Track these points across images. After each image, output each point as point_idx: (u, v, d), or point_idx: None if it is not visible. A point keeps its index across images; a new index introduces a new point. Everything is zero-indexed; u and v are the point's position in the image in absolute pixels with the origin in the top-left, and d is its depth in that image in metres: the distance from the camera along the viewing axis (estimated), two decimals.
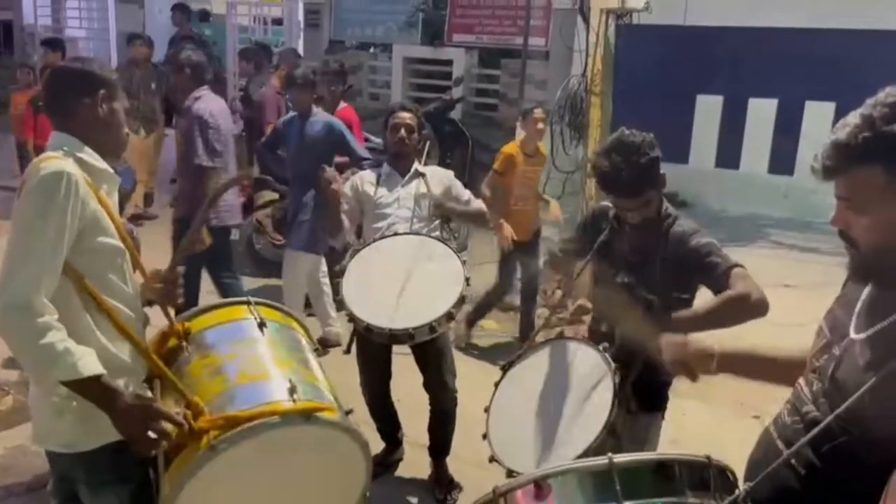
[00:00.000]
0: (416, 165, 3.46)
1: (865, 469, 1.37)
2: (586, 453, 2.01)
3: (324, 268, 4.88)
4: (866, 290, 1.50)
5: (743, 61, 8.02)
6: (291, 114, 4.83)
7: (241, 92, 8.33)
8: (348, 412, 1.98)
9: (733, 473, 1.63)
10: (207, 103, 4.31)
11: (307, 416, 1.81)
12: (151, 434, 1.70)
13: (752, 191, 8.20)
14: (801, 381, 1.61)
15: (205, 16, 12.06)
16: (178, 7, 9.80)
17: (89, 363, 1.67)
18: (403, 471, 3.55)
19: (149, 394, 1.87)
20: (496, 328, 5.25)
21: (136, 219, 7.27)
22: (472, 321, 5.04)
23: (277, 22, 10.88)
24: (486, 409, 2.43)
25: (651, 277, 2.31)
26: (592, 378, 2.24)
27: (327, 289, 4.86)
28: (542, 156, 4.98)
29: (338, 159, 4.79)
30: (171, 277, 2.09)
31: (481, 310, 5.08)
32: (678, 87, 8.23)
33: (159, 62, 7.91)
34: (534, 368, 2.44)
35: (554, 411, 2.26)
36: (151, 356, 1.89)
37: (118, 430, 1.73)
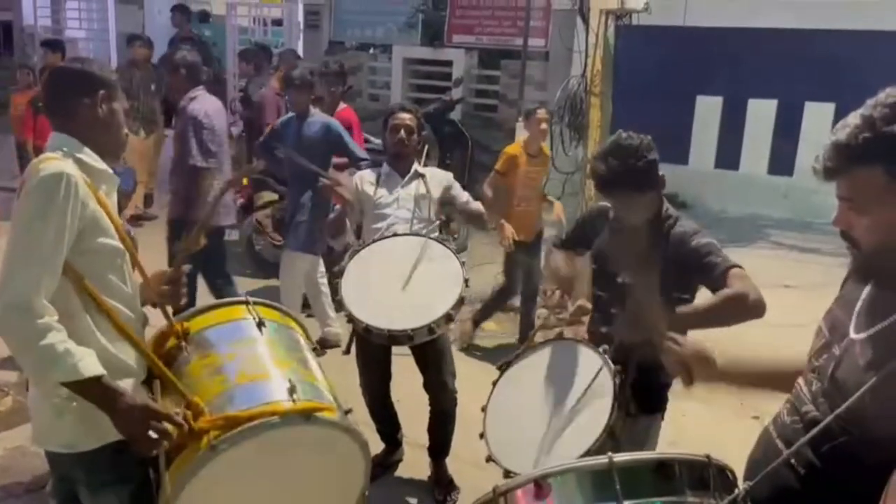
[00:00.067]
0: (416, 166, 3.47)
1: (865, 469, 1.37)
2: (586, 455, 2.01)
3: (321, 268, 4.88)
4: (866, 290, 1.50)
5: (742, 62, 8.03)
6: (289, 114, 4.83)
7: (240, 93, 8.33)
8: (347, 412, 1.98)
9: (733, 473, 1.63)
10: (202, 103, 4.30)
11: (307, 415, 1.81)
12: (152, 434, 1.70)
13: (752, 191, 8.21)
14: (800, 380, 1.61)
15: (204, 17, 12.07)
16: (178, 8, 9.81)
17: (90, 364, 1.67)
18: (403, 472, 3.55)
19: (148, 394, 1.87)
20: (496, 329, 5.25)
21: (135, 219, 7.27)
22: (477, 321, 5.05)
23: (277, 23, 10.88)
24: (484, 409, 2.43)
25: (651, 278, 2.30)
26: (592, 379, 2.24)
27: (325, 289, 4.86)
28: (545, 156, 4.98)
29: (336, 160, 4.80)
30: (177, 277, 2.09)
31: (488, 310, 5.08)
32: (678, 87, 8.25)
33: (159, 63, 7.91)
34: (532, 368, 2.44)
35: (552, 412, 2.26)
36: (151, 356, 1.89)
37: (119, 430, 1.73)
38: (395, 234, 3.14)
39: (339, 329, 4.73)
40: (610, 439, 2.08)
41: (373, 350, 3.18)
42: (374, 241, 3.11)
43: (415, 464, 3.53)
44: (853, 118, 1.36)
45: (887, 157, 1.32)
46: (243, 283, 5.60)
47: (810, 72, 7.60)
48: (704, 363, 1.79)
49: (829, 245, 6.25)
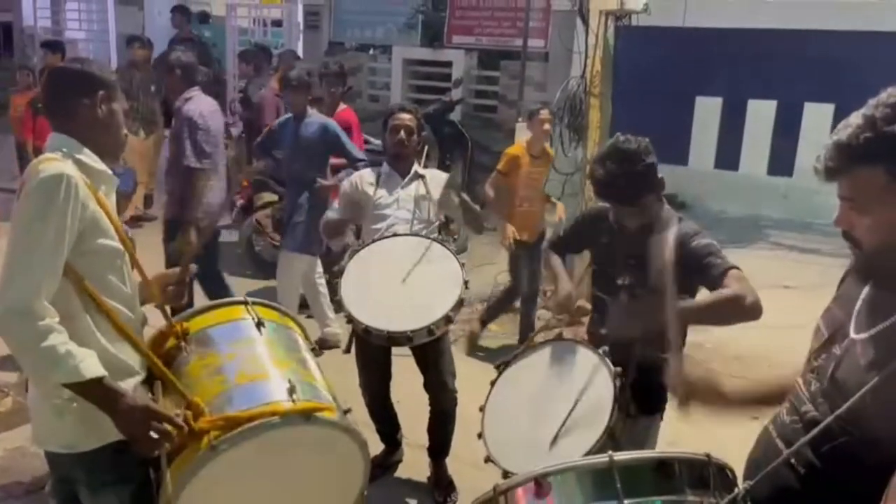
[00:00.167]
0: (416, 167, 3.46)
1: (865, 469, 1.37)
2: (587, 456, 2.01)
3: (319, 268, 4.88)
4: (865, 290, 1.50)
5: (742, 63, 8.04)
6: (286, 115, 4.83)
7: (240, 94, 8.34)
8: (346, 411, 1.98)
9: (733, 472, 1.63)
10: (198, 104, 4.29)
11: (307, 416, 1.82)
12: (153, 435, 1.71)
13: (752, 192, 8.22)
14: (799, 380, 1.61)
15: (204, 17, 12.06)
16: (178, 9, 9.81)
17: (91, 365, 1.68)
18: (402, 472, 3.55)
19: (149, 395, 1.87)
20: (497, 329, 5.24)
21: (135, 220, 7.28)
22: (485, 321, 5.05)
23: (277, 24, 10.88)
24: (482, 409, 2.43)
25: (651, 279, 2.31)
26: (592, 381, 2.24)
27: (324, 290, 4.86)
28: (547, 157, 4.97)
29: (333, 161, 4.80)
30: (184, 279, 2.10)
31: (494, 310, 5.08)
32: (677, 88, 8.25)
33: (155, 64, 7.91)
34: (532, 369, 2.44)
35: (552, 413, 2.25)
36: (151, 357, 1.89)
37: (120, 431, 1.73)
38: (395, 235, 3.14)
39: (339, 329, 4.73)
40: (610, 440, 2.08)
41: (372, 350, 3.18)
42: (373, 242, 3.11)
43: (414, 464, 3.53)
44: (855, 118, 1.36)
45: (888, 157, 1.32)
46: (243, 284, 5.60)
47: (810, 72, 7.61)
48: (710, 392, 1.78)
49: (828, 246, 6.25)
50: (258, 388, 1.86)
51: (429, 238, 3.13)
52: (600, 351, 2.28)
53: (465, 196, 3.32)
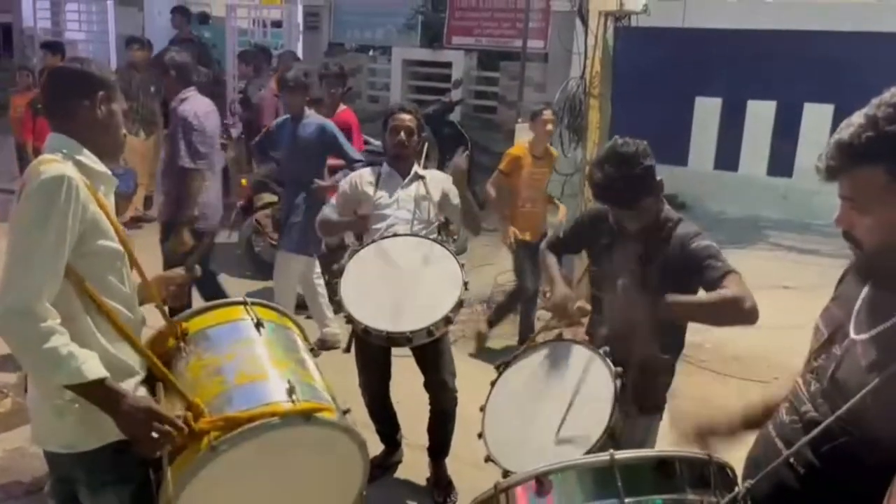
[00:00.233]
0: (416, 168, 3.46)
1: (865, 469, 1.37)
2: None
3: (317, 269, 4.88)
4: (865, 290, 1.50)
5: (741, 63, 8.04)
6: (284, 116, 4.83)
7: (240, 94, 8.34)
8: (345, 412, 1.99)
9: (733, 471, 1.63)
10: (193, 105, 4.28)
11: (307, 416, 1.82)
12: (155, 436, 1.71)
13: (751, 192, 8.22)
14: (799, 380, 1.61)
15: (204, 18, 12.05)
16: (178, 10, 9.81)
17: (93, 367, 1.68)
18: (402, 473, 3.55)
19: (151, 396, 1.88)
20: (496, 330, 5.24)
21: (135, 221, 7.28)
22: (492, 323, 5.05)
23: (277, 24, 10.88)
24: (482, 409, 2.43)
25: (651, 280, 2.31)
26: (592, 381, 2.24)
27: (322, 290, 4.87)
28: (550, 157, 4.97)
29: (331, 161, 4.80)
30: (189, 281, 2.11)
31: (501, 311, 5.08)
32: (677, 89, 8.26)
33: (150, 65, 7.90)
34: (531, 369, 2.44)
35: (552, 413, 2.26)
36: (151, 357, 1.89)
37: (122, 431, 1.74)
38: (394, 235, 3.14)
39: (338, 329, 4.74)
40: (610, 440, 2.08)
41: (372, 350, 3.17)
42: (373, 242, 3.10)
43: (414, 465, 3.53)
44: (857, 117, 1.36)
45: (889, 157, 1.32)
46: (243, 285, 5.61)
47: (809, 73, 7.62)
48: (703, 435, 1.82)
49: (828, 246, 6.26)
50: (257, 388, 1.87)
51: (428, 239, 3.14)
52: (601, 351, 2.28)
53: (468, 194, 3.32)
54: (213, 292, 4.43)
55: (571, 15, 6.53)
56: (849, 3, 7.91)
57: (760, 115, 8.27)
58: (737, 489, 1.54)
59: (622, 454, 1.54)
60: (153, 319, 2.07)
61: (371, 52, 11.01)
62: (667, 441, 2.58)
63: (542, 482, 1.57)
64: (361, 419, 3.26)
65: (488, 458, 2.26)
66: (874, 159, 1.33)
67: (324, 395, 1.97)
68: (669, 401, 2.56)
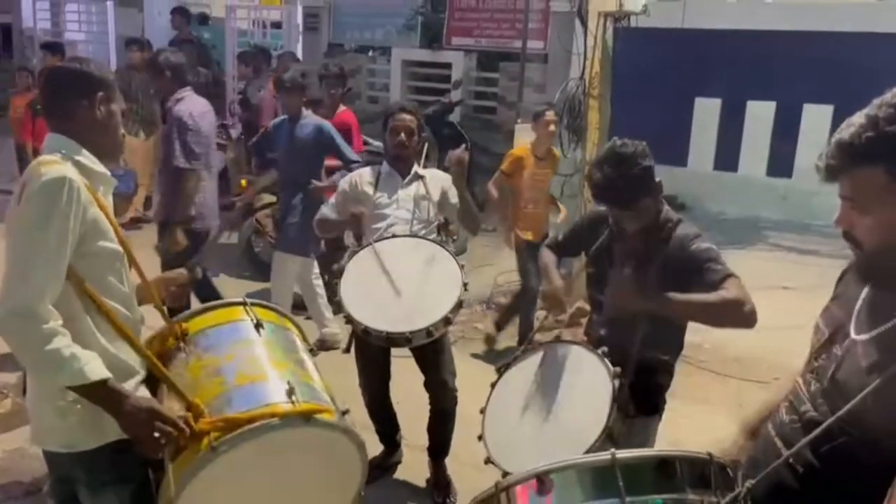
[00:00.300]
0: (416, 168, 3.46)
1: (864, 469, 1.37)
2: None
3: (316, 269, 4.89)
4: (865, 290, 1.50)
5: (741, 64, 8.05)
6: (281, 117, 4.83)
7: (239, 95, 8.35)
8: (344, 412, 1.99)
9: (734, 470, 1.63)
10: (188, 105, 4.28)
11: (306, 417, 1.82)
12: (157, 435, 1.71)
13: (751, 193, 8.22)
14: (799, 379, 1.61)
15: (204, 19, 12.06)
16: (178, 10, 9.82)
17: (96, 368, 1.69)
18: (401, 474, 3.55)
19: (148, 395, 1.88)
20: (488, 329, 5.24)
21: (135, 222, 7.28)
22: (500, 326, 5.05)
23: (276, 25, 10.89)
24: (482, 411, 2.44)
25: (648, 280, 2.31)
26: (591, 381, 2.24)
27: (320, 290, 4.87)
28: (553, 158, 4.97)
29: (328, 162, 4.80)
30: (189, 281, 2.11)
31: (509, 313, 5.08)
32: (676, 89, 8.26)
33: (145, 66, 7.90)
34: (531, 371, 2.44)
35: (551, 414, 2.26)
36: (151, 357, 1.90)
37: (125, 431, 1.74)
38: (394, 236, 3.13)
39: (337, 329, 4.74)
40: (608, 441, 2.08)
41: (372, 351, 3.17)
42: (373, 242, 3.09)
43: (413, 466, 3.53)
44: (858, 117, 1.36)
45: (889, 157, 1.32)
46: (242, 286, 5.61)
47: (809, 74, 7.62)
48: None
49: (827, 247, 6.26)
50: (257, 389, 1.87)
51: (428, 239, 3.13)
52: (599, 352, 2.28)
53: (467, 195, 3.32)
54: (208, 293, 4.43)
55: (571, 15, 6.54)
56: (848, 4, 7.91)
57: (760, 115, 8.27)
58: (737, 489, 1.54)
59: (623, 453, 1.54)
60: (153, 320, 2.07)
61: (370, 53, 11.01)
62: (665, 441, 2.59)
63: (542, 481, 1.57)
64: (361, 420, 3.26)
65: (488, 460, 2.26)
66: (874, 159, 1.33)
67: (323, 395, 1.97)
68: (668, 401, 2.56)
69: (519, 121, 6.14)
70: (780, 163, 8.14)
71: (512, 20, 9.21)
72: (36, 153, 5.05)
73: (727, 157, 8.49)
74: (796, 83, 7.73)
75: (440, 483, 3.37)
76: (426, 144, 3.67)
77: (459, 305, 2.88)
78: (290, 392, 1.83)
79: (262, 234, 6.00)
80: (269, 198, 5.99)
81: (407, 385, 3.43)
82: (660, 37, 7.27)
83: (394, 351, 3.25)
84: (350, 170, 4.20)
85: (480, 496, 1.70)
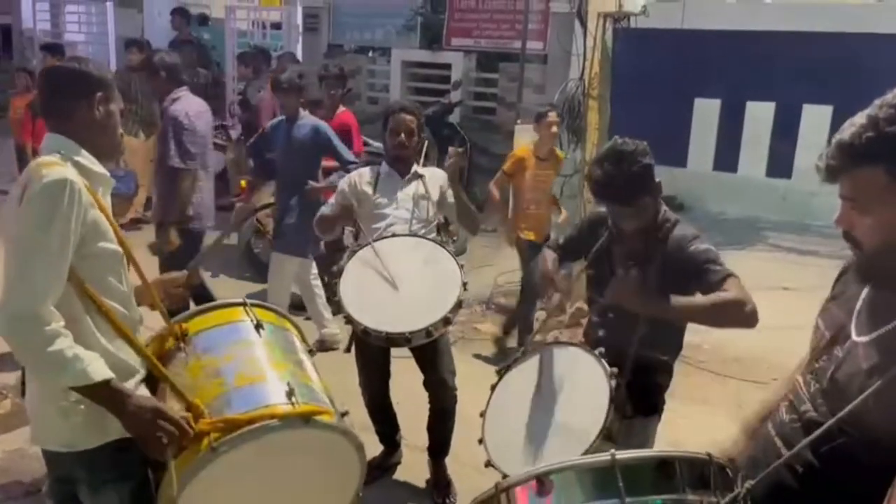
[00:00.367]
0: (416, 167, 3.46)
1: (863, 470, 1.38)
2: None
3: (314, 270, 4.89)
4: (865, 290, 1.50)
5: (740, 65, 8.05)
6: (279, 117, 4.84)
7: (239, 96, 8.35)
8: (343, 414, 1.99)
9: (733, 470, 1.63)
10: (184, 104, 4.29)
11: (306, 419, 1.83)
12: (160, 435, 1.72)
13: (750, 194, 8.23)
14: (799, 379, 1.61)
15: (204, 20, 12.06)
16: (178, 11, 9.83)
17: (98, 368, 1.70)
18: (401, 474, 3.54)
19: (148, 394, 1.88)
20: (495, 331, 5.24)
21: (135, 223, 7.28)
22: (508, 329, 5.05)
23: (276, 26, 10.89)
24: (482, 414, 2.44)
25: (649, 282, 2.31)
26: (588, 382, 2.24)
27: (319, 291, 4.88)
28: (556, 159, 4.98)
29: (325, 163, 4.80)
30: (192, 283, 2.12)
31: (514, 317, 5.08)
32: (676, 90, 8.26)
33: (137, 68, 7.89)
34: (530, 372, 2.44)
35: (550, 416, 2.26)
36: (151, 358, 1.90)
37: (129, 431, 1.75)
38: (393, 235, 3.13)
39: (336, 330, 4.75)
40: (607, 441, 2.08)
41: (372, 350, 3.17)
42: (372, 241, 3.08)
43: (413, 466, 3.53)
44: (859, 117, 1.36)
45: (890, 158, 1.32)
46: (242, 287, 5.61)
47: (808, 74, 7.63)
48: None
49: (827, 247, 6.26)
50: (257, 390, 1.87)
51: (427, 239, 3.13)
52: (596, 352, 2.28)
53: (462, 195, 3.31)
54: (202, 294, 4.44)
55: (570, 16, 6.55)
56: (847, 5, 7.92)
57: (759, 116, 8.27)
58: (737, 489, 1.54)
59: (623, 454, 1.54)
60: (152, 320, 2.07)
61: (370, 54, 11.01)
62: (664, 441, 2.59)
63: (542, 482, 1.57)
64: (360, 420, 3.26)
65: (489, 464, 2.27)
66: (875, 160, 1.33)
67: (322, 397, 1.97)
68: (668, 401, 2.56)
69: (518, 121, 6.14)
70: (780, 163, 8.14)
71: (511, 21, 9.21)
72: (35, 154, 5.03)
73: (727, 157, 8.50)
74: (796, 84, 7.74)
75: (440, 483, 3.37)
76: (426, 142, 3.64)
77: (459, 305, 2.88)
78: (290, 393, 1.83)
79: (262, 235, 6.00)
80: (269, 198, 5.99)
81: (407, 385, 3.43)
82: (659, 37, 7.28)
83: (394, 351, 3.25)
84: (347, 171, 4.21)
85: (480, 497, 1.71)
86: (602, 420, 2.10)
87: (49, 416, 1.83)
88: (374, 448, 3.47)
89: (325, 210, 3.51)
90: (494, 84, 9.60)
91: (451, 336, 3.65)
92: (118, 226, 1.90)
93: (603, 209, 2.52)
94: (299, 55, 9.70)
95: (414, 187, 3.36)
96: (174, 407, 1.80)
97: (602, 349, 2.29)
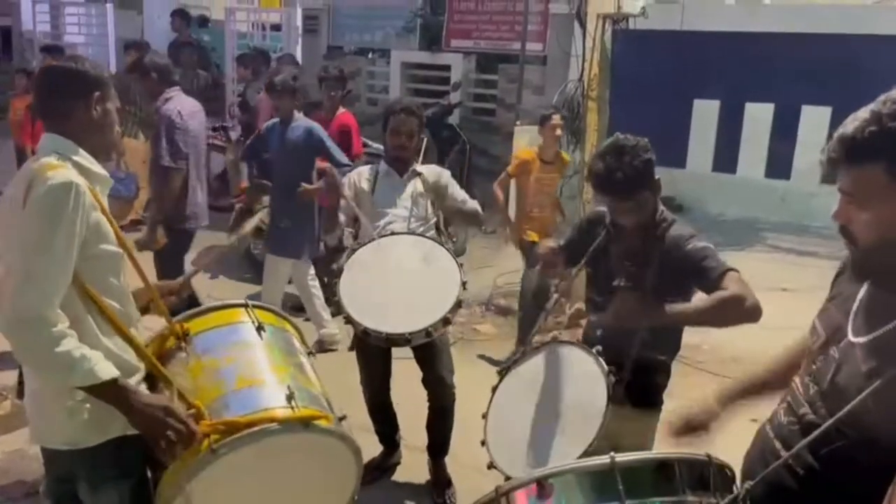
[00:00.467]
0: (415, 165, 3.46)
1: (862, 471, 1.38)
2: (583, 457, 2.01)
3: (312, 271, 4.90)
4: (862, 290, 1.50)
5: (739, 66, 8.04)
6: (273, 120, 4.85)
7: (238, 97, 8.35)
8: (342, 418, 2.00)
9: (732, 471, 1.63)
10: (177, 104, 4.30)
11: (305, 423, 1.84)
12: (170, 433, 1.73)
13: (749, 195, 8.22)
14: (796, 380, 1.62)
15: (203, 22, 12.06)
16: (177, 13, 9.83)
17: (106, 367, 1.71)
18: (400, 475, 3.55)
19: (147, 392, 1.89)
20: (495, 332, 5.25)
21: (135, 224, 7.28)
22: (521, 339, 5.04)
23: (276, 28, 10.89)
24: (484, 416, 2.44)
25: (647, 281, 2.32)
26: (587, 382, 2.25)
27: (317, 292, 4.88)
28: (561, 161, 4.99)
29: (320, 165, 4.80)
30: (182, 291, 2.14)
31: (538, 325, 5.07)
32: (675, 91, 8.23)
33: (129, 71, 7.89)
34: (529, 373, 2.44)
35: (550, 416, 2.27)
36: (152, 359, 1.90)
37: (138, 429, 1.77)
38: (392, 234, 3.13)
39: (336, 330, 4.76)
40: (606, 441, 2.08)
41: (373, 349, 3.17)
42: (371, 241, 3.09)
43: (413, 467, 3.53)
44: (863, 112, 1.36)
45: (890, 154, 1.32)
46: (241, 288, 5.61)
47: (807, 76, 7.62)
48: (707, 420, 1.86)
49: (826, 248, 6.26)
50: (257, 393, 1.88)
51: (426, 237, 3.13)
52: (593, 351, 2.29)
53: (451, 202, 3.33)
54: (192, 305, 4.44)
55: (570, 18, 6.56)
56: (846, 6, 7.94)
57: (758, 117, 8.25)
58: (736, 490, 1.54)
59: (622, 457, 1.54)
60: (152, 320, 2.08)
61: (370, 55, 11.01)
62: (662, 442, 2.59)
63: (542, 486, 1.58)
64: (360, 421, 3.27)
65: (491, 465, 2.27)
66: (876, 155, 1.33)
67: (322, 401, 1.99)
68: (666, 402, 2.56)
69: (518, 123, 6.14)
70: (779, 164, 8.12)
71: (511, 22, 9.21)
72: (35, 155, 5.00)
73: (726, 158, 8.47)
74: (795, 85, 7.73)
75: (440, 482, 3.37)
76: (425, 140, 3.63)
77: (458, 305, 2.88)
78: (290, 397, 1.84)
79: (262, 236, 5.99)
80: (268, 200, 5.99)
81: (406, 386, 3.44)
82: (658, 39, 7.28)
83: (394, 352, 3.26)
84: (342, 173, 4.21)
85: (481, 500, 1.71)
86: (601, 420, 2.11)
87: (54, 415, 1.84)
88: (373, 449, 3.48)
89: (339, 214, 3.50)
90: (494, 85, 9.60)
91: (450, 337, 3.65)
92: (118, 226, 1.91)
93: (601, 208, 2.53)
94: (299, 57, 9.70)
95: (413, 186, 3.37)
96: (177, 406, 1.81)
97: (600, 348, 2.30)
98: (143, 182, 7.39)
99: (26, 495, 3.18)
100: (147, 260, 4.11)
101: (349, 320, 2.87)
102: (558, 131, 4.80)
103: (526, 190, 4.80)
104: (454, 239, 5.38)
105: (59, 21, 12.86)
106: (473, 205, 3.45)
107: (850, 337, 1.47)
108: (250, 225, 3.47)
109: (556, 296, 2.66)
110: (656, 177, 2.33)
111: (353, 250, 3.07)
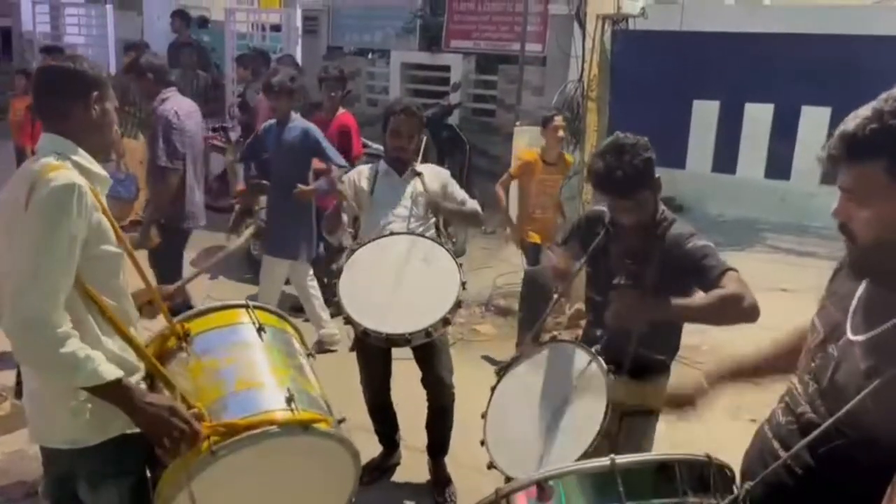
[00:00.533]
0: (414, 164, 3.46)
1: (861, 470, 1.38)
2: (583, 457, 2.01)
3: (310, 272, 4.90)
4: (861, 288, 1.50)
5: (739, 67, 8.04)
6: (270, 121, 4.86)
7: (238, 98, 8.35)
8: (340, 421, 2.01)
9: (731, 471, 1.63)
10: (173, 104, 4.30)
11: (305, 426, 1.85)
12: (175, 433, 1.73)
13: (749, 195, 8.23)
14: (794, 379, 1.62)
15: (203, 22, 12.05)
16: (177, 14, 9.82)
17: (109, 367, 1.72)
18: (400, 475, 3.55)
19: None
20: (495, 332, 5.25)
21: (135, 224, 7.27)
22: (535, 338, 5.04)
23: (275, 28, 10.89)
24: (483, 415, 2.44)
25: (647, 280, 2.32)
26: (586, 381, 2.25)
27: (316, 292, 4.88)
28: (565, 163, 4.99)
29: (317, 166, 4.81)
30: (175, 299, 2.16)
31: (538, 325, 5.07)
32: (675, 92, 8.23)
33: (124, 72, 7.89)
34: (529, 373, 2.44)
35: (550, 416, 2.27)
36: (152, 360, 1.90)
37: (142, 428, 1.77)
38: (391, 234, 3.13)
39: (335, 330, 4.76)
40: (606, 440, 2.08)
41: (373, 348, 3.17)
42: (371, 241, 3.08)
43: (412, 467, 3.53)
44: (864, 110, 1.36)
45: (891, 151, 1.32)
46: (241, 288, 5.61)
47: (807, 76, 7.62)
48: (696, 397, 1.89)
49: (825, 249, 6.26)
50: (257, 395, 1.88)
51: (425, 237, 3.13)
52: (592, 350, 2.29)
53: (450, 205, 3.33)
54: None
55: (569, 18, 6.57)
56: (846, 7, 7.95)
57: (758, 117, 8.25)
58: (736, 490, 1.55)
59: (623, 458, 1.54)
60: (152, 321, 2.08)
61: (370, 56, 11.01)
62: (661, 442, 2.59)
63: (542, 488, 1.58)
64: (360, 421, 3.27)
65: (491, 465, 2.27)
66: (877, 152, 1.33)
67: (321, 404, 2.00)
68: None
69: (517, 123, 6.15)
70: (779, 165, 8.12)
71: (510, 23, 9.22)
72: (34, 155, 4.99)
73: (725, 159, 8.47)
74: (794, 85, 7.73)
75: (440, 481, 3.37)
76: (425, 139, 3.62)
77: (458, 305, 2.88)
78: (290, 399, 1.85)
79: (262, 237, 5.99)
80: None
81: (406, 387, 3.44)
82: (658, 39, 7.28)
83: (394, 352, 3.26)
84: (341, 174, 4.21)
85: (481, 502, 1.71)
86: (600, 419, 2.11)
87: (56, 414, 1.84)
88: (373, 449, 3.48)
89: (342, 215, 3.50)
90: (493, 86, 9.60)
91: (450, 337, 3.65)
92: (118, 227, 1.91)
93: (601, 206, 2.53)
94: (299, 57, 9.70)
95: (412, 185, 3.37)
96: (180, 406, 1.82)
97: (599, 347, 2.30)
98: (142, 183, 7.39)
99: (26, 496, 3.18)
100: (143, 260, 4.12)
101: (349, 321, 2.87)
102: (561, 133, 4.81)
103: (528, 191, 4.81)
104: (454, 239, 5.38)
105: (59, 22, 12.86)
106: (473, 205, 3.45)
107: (849, 335, 1.47)
108: (249, 232, 3.49)
109: (555, 296, 2.65)
110: (656, 175, 2.33)
111: (353, 250, 3.07)
